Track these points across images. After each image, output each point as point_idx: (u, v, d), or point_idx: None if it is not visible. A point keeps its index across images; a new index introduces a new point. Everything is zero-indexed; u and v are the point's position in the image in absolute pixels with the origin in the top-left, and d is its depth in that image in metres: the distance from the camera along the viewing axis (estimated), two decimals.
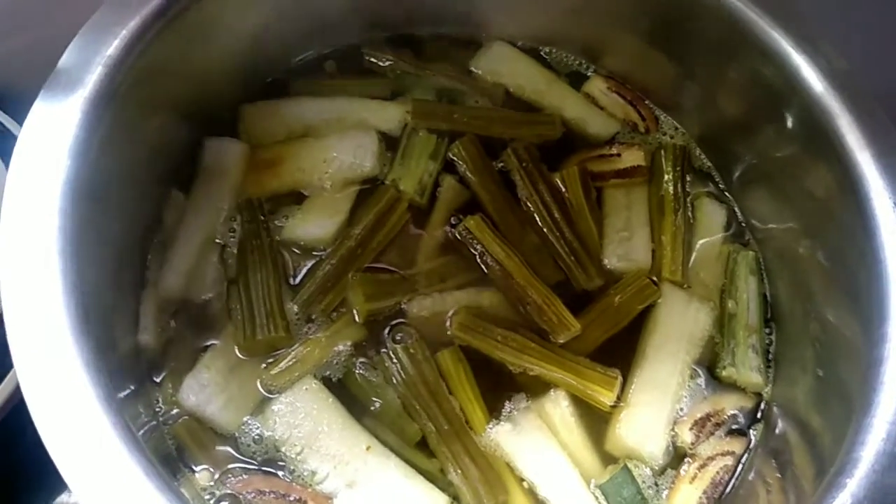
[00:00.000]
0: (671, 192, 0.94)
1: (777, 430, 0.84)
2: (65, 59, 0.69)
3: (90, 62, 0.69)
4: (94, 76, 0.69)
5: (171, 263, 0.83)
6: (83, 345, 0.59)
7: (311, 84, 0.97)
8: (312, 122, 0.93)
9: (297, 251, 0.87)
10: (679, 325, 0.88)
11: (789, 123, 0.83)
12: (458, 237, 0.89)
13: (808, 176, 0.83)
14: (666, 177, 0.95)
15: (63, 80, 0.68)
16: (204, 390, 0.78)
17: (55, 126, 0.66)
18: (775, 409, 0.86)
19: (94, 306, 0.68)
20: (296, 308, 0.84)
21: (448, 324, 0.85)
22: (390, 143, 0.93)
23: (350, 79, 0.98)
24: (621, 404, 0.83)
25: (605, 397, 0.82)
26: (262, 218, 0.87)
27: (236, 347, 0.81)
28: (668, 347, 0.86)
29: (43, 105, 0.67)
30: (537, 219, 0.91)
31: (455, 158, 0.93)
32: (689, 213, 0.94)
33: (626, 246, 0.92)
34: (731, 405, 0.85)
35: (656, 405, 0.83)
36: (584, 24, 0.99)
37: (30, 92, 0.69)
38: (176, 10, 0.76)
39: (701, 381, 0.87)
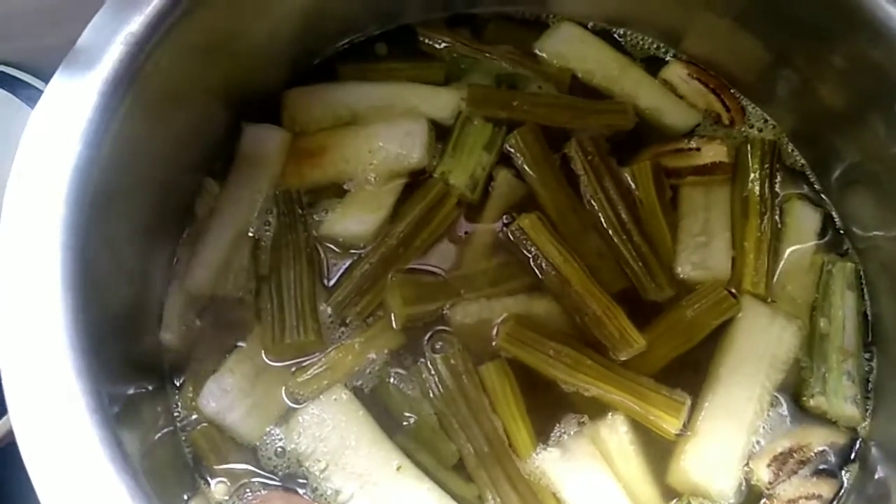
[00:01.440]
0: (757, 192, 0.87)
1: (876, 474, 0.76)
2: (84, 37, 0.65)
3: (110, 41, 0.65)
4: (113, 56, 0.64)
5: (199, 257, 0.80)
6: (77, 352, 0.56)
7: (360, 68, 0.92)
8: (360, 109, 0.88)
9: (334, 248, 0.83)
10: (760, 345, 0.81)
11: None
12: (511, 237, 0.83)
13: None
14: (752, 175, 0.87)
15: (81, 60, 0.64)
16: (226, 396, 0.75)
17: (68, 109, 0.62)
18: (874, 448, 0.78)
19: (110, 299, 0.65)
20: (329, 310, 0.80)
21: (494, 333, 0.80)
22: (442, 133, 0.88)
23: (402, 62, 0.93)
24: (688, 433, 0.78)
25: (670, 424, 0.77)
26: (301, 211, 0.84)
27: (263, 351, 0.78)
28: (745, 370, 0.79)
29: (57, 86, 0.63)
30: (602, 219, 0.85)
31: (512, 150, 0.87)
32: (778, 218, 0.87)
33: (702, 252, 0.84)
34: (820, 441, 0.78)
35: (729, 436, 0.77)
36: (665, 3, 0.91)
37: None
38: None
39: (783, 410, 0.80)
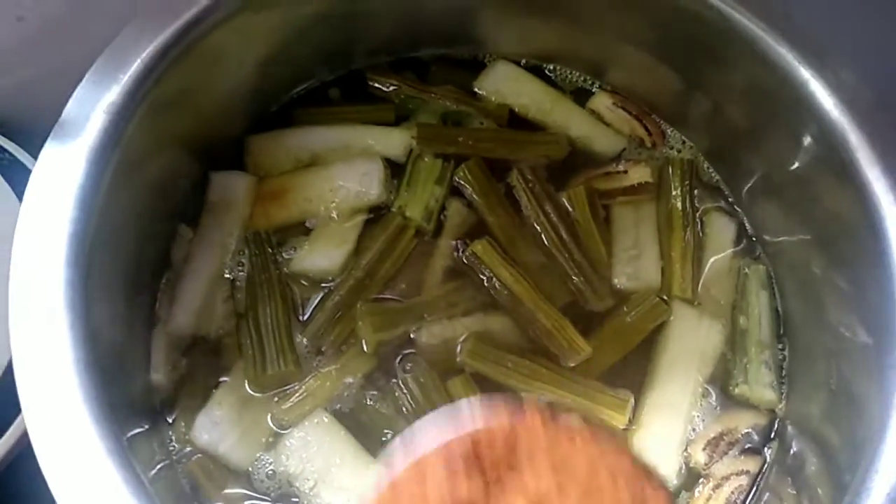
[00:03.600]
0: (679, 207, 0.93)
1: (792, 448, 0.83)
2: (68, 109, 0.69)
3: (93, 110, 0.69)
4: (97, 125, 0.69)
5: (179, 301, 0.84)
6: (91, 393, 0.60)
7: (315, 112, 0.96)
8: (318, 151, 0.93)
9: (305, 283, 0.88)
10: (690, 344, 0.87)
11: (799, 136, 0.81)
12: (466, 262, 0.88)
13: (819, 188, 0.81)
14: (674, 192, 0.94)
15: (67, 131, 0.68)
16: (216, 427, 0.79)
17: (60, 178, 0.66)
18: (790, 426, 0.85)
19: (104, 349, 0.68)
20: (305, 341, 0.84)
21: (458, 351, 0.85)
22: (396, 170, 0.93)
23: (355, 105, 0.98)
24: (633, 427, 0.83)
25: (618, 421, 0.82)
26: (270, 251, 0.87)
27: (247, 383, 0.82)
28: (679, 366, 0.86)
29: (48, 156, 0.67)
30: (545, 240, 0.91)
31: (461, 182, 0.92)
32: (699, 229, 0.93)
33: (635, 264, 0.91)
34: (745, 423, 0.85)
35: (668, 426, 0.83)
36: (588, 39, 0.97)
37: (39, 123, 0.70)
38: (177, 52, 0.75)
39: (713, 399, 0.86)
